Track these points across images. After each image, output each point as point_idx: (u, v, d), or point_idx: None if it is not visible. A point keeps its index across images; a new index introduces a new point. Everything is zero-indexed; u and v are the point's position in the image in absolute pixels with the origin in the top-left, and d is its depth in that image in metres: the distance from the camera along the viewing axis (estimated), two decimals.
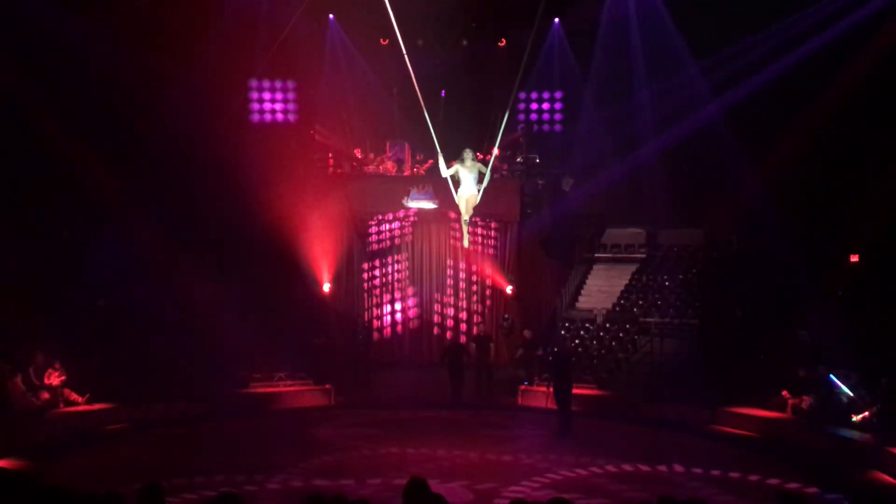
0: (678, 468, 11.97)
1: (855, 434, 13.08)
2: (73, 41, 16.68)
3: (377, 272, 20.25)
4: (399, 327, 20.30)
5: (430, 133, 11.65)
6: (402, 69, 11.93)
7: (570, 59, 21.36)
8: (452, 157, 11.95)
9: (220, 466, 11.73)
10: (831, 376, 14.11)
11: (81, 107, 17.41)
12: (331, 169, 20.26)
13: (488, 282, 20.29)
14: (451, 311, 20.35)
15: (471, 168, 11.72)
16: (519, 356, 18.40)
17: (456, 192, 11.89)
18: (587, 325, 19.26)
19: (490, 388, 17.70)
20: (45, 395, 14.50)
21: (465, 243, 13.39)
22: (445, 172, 11.79)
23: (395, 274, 20.36)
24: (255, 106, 20.71)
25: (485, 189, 11.92)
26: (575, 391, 17.05)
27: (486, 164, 12.02)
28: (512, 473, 11.76)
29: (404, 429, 14.88)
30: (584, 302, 20.17)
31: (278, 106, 20.82)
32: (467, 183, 11.76)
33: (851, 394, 13.80)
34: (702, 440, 13.96)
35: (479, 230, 19.66)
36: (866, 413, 13.22)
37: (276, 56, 18.41)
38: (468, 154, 11.71)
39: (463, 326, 20.34)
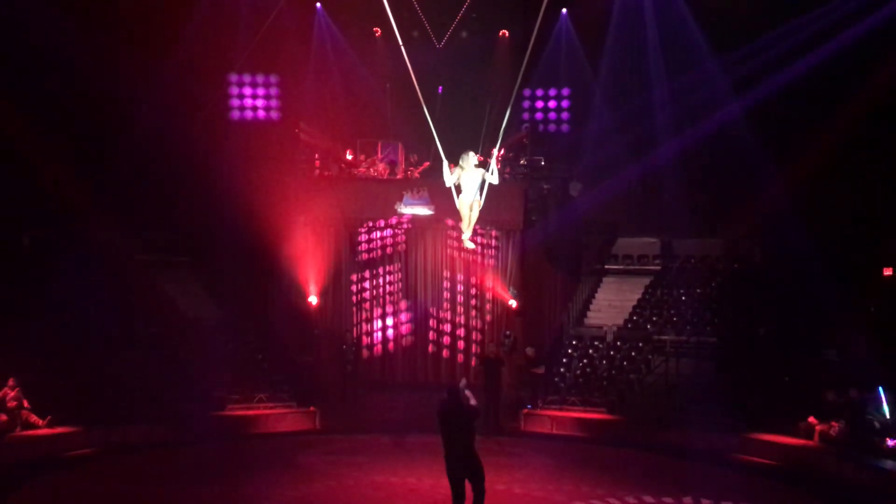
0: (705, 501, 11.74)
1: (890, 464, 12.99)
2: (36, 30, 16.65)
3: (367, 284, 20.09)
4: (391, 344, 20.12)
5: (429, 134, 11.51)
6: (396, 63, 11.86)
7: (578, 52, 21.33)
8: (453, 161, 11.78)
9: (185, 497, 11.66)
10: (880, 389, 13.98)
11: (45, 103, 17.38)
12: (317, 171, 20.12)
13: (489, 295, 20.09)
14: (448, 328, 20.16)
15: (473, 173, 11.55)
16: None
17: (458, 198, 11.71)
18: (596, 342, 19.16)
19: (498, 421, 17.23)
20: (2, 418, 14.38)
21: (466, 237, 12.38)
22: (450, 181, 11.63)
23: (388, 286, 20.20)
24: (235, 102, 20.77)
25: (485, 194, 11.71)
26: (580, 415, 17.04)
27: (485, 166, 11.81)
28: None
29: (394, 456, 14.75)
30: (593, 318, 20.13)
31: (260, 102, 20.88)
32: (468, 189, 11.60)
33: (888, 417, 13.70)
34: (721, 470, 13.69)
35: (480, 239, 19.43)
36: None
37: (257, 48, 18.61)
38: (470, 157, 11.56)
39: (461, 344, 20.17)
